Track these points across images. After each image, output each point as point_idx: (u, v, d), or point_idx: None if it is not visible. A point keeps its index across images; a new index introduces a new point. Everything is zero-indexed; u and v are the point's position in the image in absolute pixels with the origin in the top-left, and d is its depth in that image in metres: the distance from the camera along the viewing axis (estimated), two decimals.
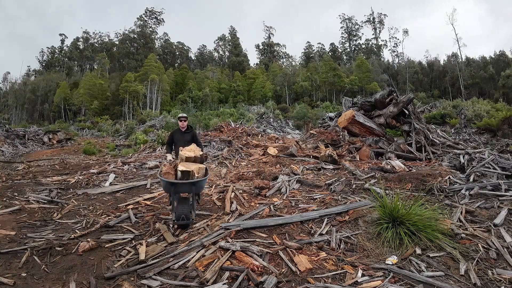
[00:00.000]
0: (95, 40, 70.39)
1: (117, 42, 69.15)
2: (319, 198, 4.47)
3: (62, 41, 68.69)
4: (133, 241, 3.32)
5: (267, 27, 75.01)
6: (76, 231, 3.58)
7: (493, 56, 54.76)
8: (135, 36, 68.08)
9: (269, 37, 74.42)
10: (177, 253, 2.97)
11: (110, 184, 6.12)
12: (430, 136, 8.93)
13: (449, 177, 4.92)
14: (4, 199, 4.74)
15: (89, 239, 3.20)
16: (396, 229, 3.02)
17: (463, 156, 6.45)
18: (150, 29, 70.16)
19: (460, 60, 55.06)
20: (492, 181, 4.61)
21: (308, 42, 76.01)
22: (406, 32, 65.45)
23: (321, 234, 3.26)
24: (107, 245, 3.17)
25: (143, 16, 69.27)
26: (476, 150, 7.38)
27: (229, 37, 72.12)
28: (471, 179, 4.90)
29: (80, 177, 6.67)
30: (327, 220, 3.55)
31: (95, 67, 64.55)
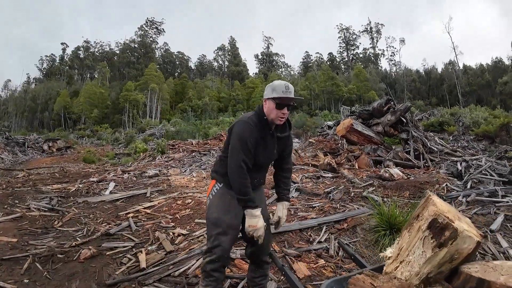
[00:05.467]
0: (96, 49, 71.35)
1: (117, 51, 70.01)
2: (318, 206, 4.50)
3: (64, 50, 69.61)
4: (133, 249, 3.34)
5: (266, 37, 76.32)
6: (77, 238, 3.60)
7: (489, 63, 55.50)
8: (135, 45, 68.97)
9: (268, 47, 75.51)
10: (177, 260, 3.00)
11: (110, 192, 6.15)
12: (428, 144, 9.01)
13: (446, 184, 4.98)
14: (5, 206, 4.76)
15: (90, 247, 3.22)
16: (394, 236, 3.05)
17: (461, 163, 6.52)
18: (151, 38, 71.16)
19: (457, 67, 55.80)
20: (489, 188, 4.66)
21: (306, 51, 77.11)
22: (402, 41, 66.58)
23: (319, 242, 3.30)
24: (108, 253, 3.19)
25: (144, 26, 70.37)
26: (473, 157, 7.46)
27: (229, 47, 73.12)
28: (468, 186, 4.95)
29: (80, 186, 6.70)
30: (326, 228, 3.58)
31: (96, 75, 65.17)
